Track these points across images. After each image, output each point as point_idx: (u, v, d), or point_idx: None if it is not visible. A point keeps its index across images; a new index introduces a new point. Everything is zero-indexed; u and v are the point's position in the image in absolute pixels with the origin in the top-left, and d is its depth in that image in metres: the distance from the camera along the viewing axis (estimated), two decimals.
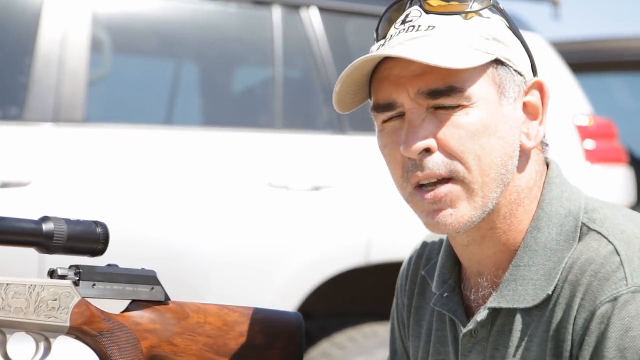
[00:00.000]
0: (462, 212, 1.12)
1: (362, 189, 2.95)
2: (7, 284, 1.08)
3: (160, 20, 3.04)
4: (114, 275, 1.19)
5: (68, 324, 1.13)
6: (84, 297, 1.16)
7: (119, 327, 1.18)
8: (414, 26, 1.14)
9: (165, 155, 2.85)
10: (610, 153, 3.33)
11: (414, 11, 1.15)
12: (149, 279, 1.23)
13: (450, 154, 1.12)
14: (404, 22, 1.15)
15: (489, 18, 1.15)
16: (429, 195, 1.13)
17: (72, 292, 1.14)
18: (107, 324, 1.17)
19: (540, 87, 1.17)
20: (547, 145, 1.20)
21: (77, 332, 1.15)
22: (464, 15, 1.13)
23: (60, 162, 2.71)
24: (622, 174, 3.38)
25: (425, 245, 1.32)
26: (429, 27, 1.13)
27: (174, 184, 2.81)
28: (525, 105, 1.16)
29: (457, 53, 1.10)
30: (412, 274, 1.31)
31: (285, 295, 2.79)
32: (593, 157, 3.21)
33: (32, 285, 1.11)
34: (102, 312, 1.17)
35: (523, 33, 1.20)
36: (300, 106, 3.13)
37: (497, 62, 1.13)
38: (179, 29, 3.06)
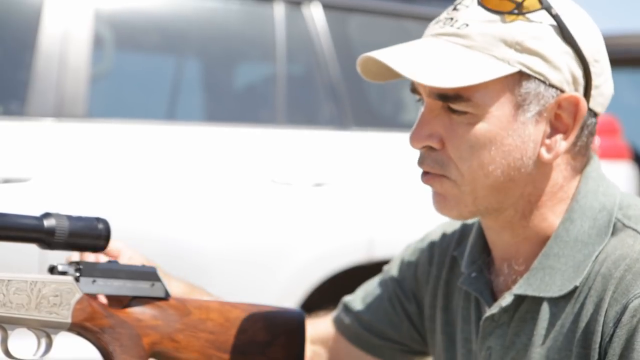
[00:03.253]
0: (451, 206, 1.14)
1: (364, 186, 2.95)
2: (9, 280, 1.08)
3: (161, 16, 3.04)
4: (114, 272, 1.19)
5: (69, 320, 1.13)
6: (85, 293, 1.15)
7: (121, 323, 1.17)
8: (452, 18, 1.12)
9: (167, 151, 2.84)
10: (613, 149, 3.33)
11: None
12: (149, 275, 1.22)
13: (448, 157, 1.12)
14: (454, 8, 1.13)
15: (539, 22, 1.10)
16: (424, 180, 1.15)
17: (73, 288, 1.14)
18: (109, 320, 1.16)
19: (575, 103, 1.12)
20: (586, 151, 1.17)
21: (79, 328, 1.14)
22: (506, 15, 1.09)
23: (61, 158, 2.71)
24: (625, 170, 3.37)
25: (451, 224, 1.32)
26: (464, 24, 1.10)
27: (176, 180, 2.80)
28: (555, 116, 1.12)
29: (469, 64, 1.08)
30: (440, 250, 1.31)
31: (288, 292, 2.79)
32: (596, 153, 3.20)
33: (33, 282, 1.10)
34: (104, 308, 1.17)
35: None
36: (302, 102, 3.12)
37: (523, 74, 1.10)
38: (180, 25, 3.05)
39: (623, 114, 3.90)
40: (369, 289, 1.38)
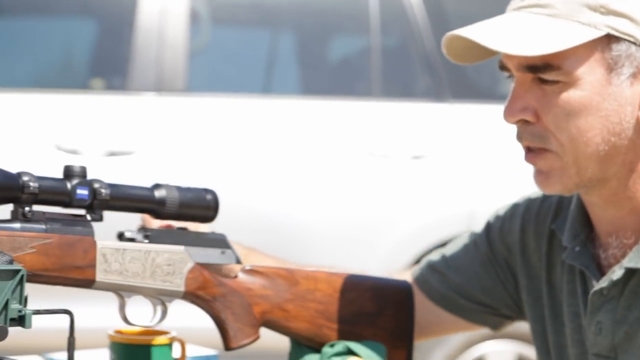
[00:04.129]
0: (555, 181, 1.12)
1: (463, 158, 2.92)
2: (124, 249, 1.10)
3: None
4: (182, 238, 1.17)
5: (183, 289, 1.14)
6: (197, 263, 1.17)
7: (232, 292, 1.19)
8: None
9: (264, 125, 2.86)
10: None
11: None
12: (219, 242, 1.20)
13: (545, 128, 1.10)
14: None
15: None
16: (527, 158, 1.14)
17: (185, 257, 1.15)
18: (220, 288, 1.18)
19: None
20: None
21: (192, 296, 1.16)
22: None
23: (162, 131, 2.75)
24: None
25: (545, 198, 1.29)
26: None
27: (274, 154, 2.82)
28: None
29: (554, 32, 1.07)
30: (536, 222, 1.28)
31: (388, 265, 2.79)
32: None
33: (147, 251, 1.12)
34: (215, 277, 1.18)
35: None
36: (397, 74, 3.10)
37: (611, 37, 1.08)
38: None
39: None
40: (457, 252, 1.35)
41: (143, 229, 1.16)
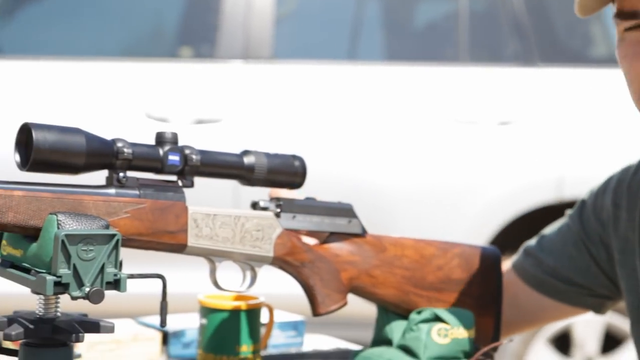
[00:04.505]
0: None
1: (552, 123, 2.87)
2: (214, 215, 1.11)
3: None
4: (312, 208, 1.21)
5: (271, 254, 1.16)
6: (285, 229, 1.18)
7: (320, 257, 1.19)
8: None
9: (349, 91, 2.86)
10: None
11: None
12: (346, 211, 1.23)
13: None
14: None
15: None
16: None
17: (274, 223, 1.16)
18: (308, 254, 1.19)
19: None
20: None
21: (280, 262, 1.17)
22: None
23: (250, 99, 2.77)
24: None
25: (637, 170, 1.26)
26: None
27: (359, 120, 2.82)
28: None
29: None
30: (629, 195, 1.26)
31: (474, 233, 2.77)
32: None
33: (237, 216, 1.13)
34: (303, 243, 1.19)
35: None
36: (485, 38, 3.05)
37: None
38: None
39: None
40: (551, 234, 1.34)
41: (275, 199, 1.18)
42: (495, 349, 1.20)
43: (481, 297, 1.28)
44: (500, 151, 2.83)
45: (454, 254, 1.28)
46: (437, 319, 1.22)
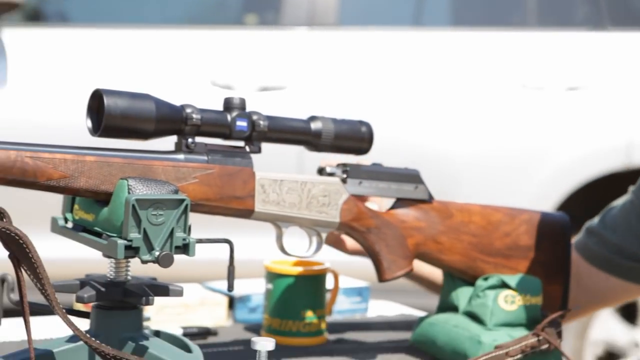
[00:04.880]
0: None
1: (622, 89, 2.81)
2: (281, 180, 1.12)
3: None
4: (379, 173, 1.21)
5: (338, 220, 1.16)
6: (352, 194, 1.18)
7: (386, 224, 1.19)
8: None
9: (415, 57, 2.84)
10: None
11: None
12: (413, 177, 1.23)
13: None
14: None
15: None
16: None
17: (340, 189, 1.16)
18: (374, 220, 1.18)
19: None
20: None
21: (346, 227, 1.17)
22: None
23: (314, 66, 2.77)
24: None
25: None
26: None
27: (425, 86, 2.79)
28: None
29: None
30: None
31: (540, 200, 2.74)
32: None
33: (303, 182, 1.13)
34: (369, 209, 1.19)
35: None
36: (554, 2, 3.00)
37: None
38: None
39: None
40: (614, 211, 1.32)
41: (342, 165, 1.19)
42: (562, 317, 1.19)
43: (549, 264, 1.27)
44: (568, 117, 2.79)
45: (522, 220, 1.27)
46: (504, 285, 1.21)
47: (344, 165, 1.18)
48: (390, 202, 1.24)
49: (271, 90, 2.73)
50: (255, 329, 1.38)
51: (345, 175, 1.18)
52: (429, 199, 1.24)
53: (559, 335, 1.17)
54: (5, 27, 2.69)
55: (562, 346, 1.17)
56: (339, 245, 1.28)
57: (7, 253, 0.91)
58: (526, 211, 1.29)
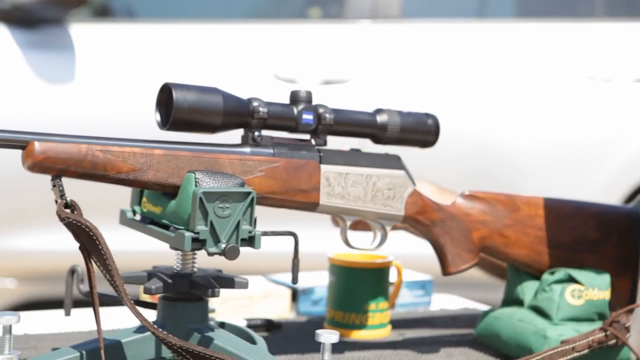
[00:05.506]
0: None
1: None
2: (346, 173, 1.11)
3: None
4: (356, 159, 1.14)
5: (403, 213, 1.15)
6: (416, 188, 1.17)
7: (451, 217, 1.19)
8: None
9: (479, 50, 2.81)
10: None
11: None
12: (392, 162, 1.16)
13: None
14: None
15: None
16: None
17: (405, 182, 1.16)
18: (439, 214, 1.18)
19: None
20: None
21: (411, 220, 1.16)
22: None
23: (378, 59, 2.76)
24: None
25: None
26: None
27: (490, 78, 2.77)
28: None
29: None
30: None
31: (607, 193, 2.69)
32: None
33: (368, 175, 1.13)
34: (434, 202, 1.18)
35: None
36: None
37: None
38: None
39: None
40: None
41: (317, 149, 1.11)
42: (631, 312, 1.17)
43: (618, 259, 1.25)
44: (635, 109, 2.74)
45: (590, 214, 1.25)
46: (571, 279, 1.20)
47: (319, 150, 1.10)
48: (454, 194, 1.23)
49: (334, 84, 2.73)
50: (318, 321, 1.38)
51: (318, 161, 1.10)
52: (412, 185, 1.18)
53: (627, 330, 1.15)
54: (74, 22, 2.74)
55: (628, 341, 1.15)
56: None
57: (77, 245, 0.93)
58: (594, 204, 1.27)
